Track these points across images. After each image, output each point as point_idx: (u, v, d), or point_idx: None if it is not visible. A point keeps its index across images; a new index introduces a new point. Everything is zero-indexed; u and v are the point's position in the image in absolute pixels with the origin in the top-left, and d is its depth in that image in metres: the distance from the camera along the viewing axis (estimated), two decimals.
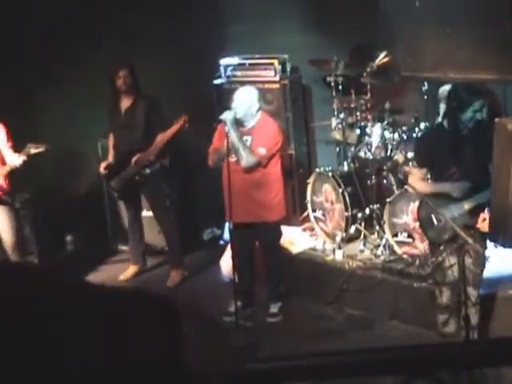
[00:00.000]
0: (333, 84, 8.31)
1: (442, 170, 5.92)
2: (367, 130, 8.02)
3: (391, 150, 7.84)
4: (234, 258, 7.18)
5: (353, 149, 8.28)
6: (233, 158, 7.04)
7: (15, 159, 7.72)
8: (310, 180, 8.29)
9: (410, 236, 7.44)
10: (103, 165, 8.46)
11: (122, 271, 8.71)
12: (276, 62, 8.79)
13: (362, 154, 8.08)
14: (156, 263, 8.95)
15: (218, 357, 1.18)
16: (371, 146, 7.94)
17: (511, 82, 6.70)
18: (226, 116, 6.98)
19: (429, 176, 6.11)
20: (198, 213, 9.50)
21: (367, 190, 8.06)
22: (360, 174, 8.14)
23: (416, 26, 6.87)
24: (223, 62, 9.03)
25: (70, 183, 9.53)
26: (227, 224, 7.62)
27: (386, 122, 7.92)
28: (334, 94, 8.36)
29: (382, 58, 7.95)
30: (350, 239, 8.04)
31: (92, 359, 1.05)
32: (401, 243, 7.51)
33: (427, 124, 7.70)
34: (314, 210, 8.32)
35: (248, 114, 7.14)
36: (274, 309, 7.53)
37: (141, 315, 1.11)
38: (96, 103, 8.81)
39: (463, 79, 6.94)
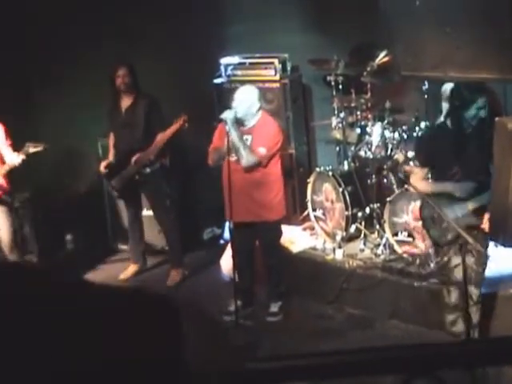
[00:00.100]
0: (333, 83, 8.31)
1: (445, 170, 5.89)
2: (367, 129, 8.02)
3: (391, 150, 7.84)
4: (234, 257, 7.17)
5: (353, 148, 8.28)
6: (233, 158, 7.04)
7: (14, 158, 7.73)
8: (311, 179, 8.28)
9: (410, 235, 7.44)
10: (103, 164, 8.47)
11: (121, 270, 8.72)
12: (276, 61, 8.79)
13: (362, 153, 8.08)
14: (156, 262, 8.95)
15: (218, 356, 1.18)
16: (371, 146, 7.94)
17: (511, 81, 6.69)
18: (227, 115, 6.98)
19: (430, 175, 6.09)
20: (198, 212, 9.51)
21: (367, 190, 8.06)
22: (360, 173, 8.14)
23: (416, 25, 6.85)
24: (223, 61, 9.03)
25: (69, 182, 9.53)
26: (227, 223, 7.62)
27: (386, 122, 7.92)
28: (334, 93, 8.36)
29: (382, 57, 7.95)
30: (350, 238, 8.04)
31: (92, 359, 1.05)
32: (401, 242, 7.50)
33: (428, 123, 7.70)
34: (314, 210, 8.31)
35: (248, 114, 7.14)
36: (274, 308, 7.53)
37: (141, 314, 1.11)
38: (96, 103, 8.81)
39: (463, 78, 6.93)
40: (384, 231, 7.63)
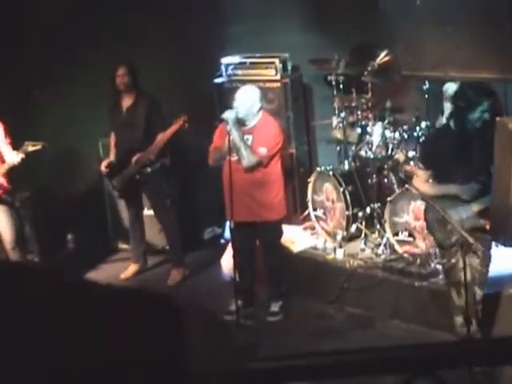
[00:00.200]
0: (334, 83, 8.31)
1: (449, 172, 5.84)
2: (368, 129, 8.02)
3: (392, 149, 7.84)
4: (234, 256, 7.17)
5: (354, 148, 8.27)
6: (234, 157, 7.03)
7: (13, 157, 7.75)
8: (311, 179, 8.28)
9: (410, 235, 7.44)
10: (104, 163, 8.48)
11: (122, 270, 8.72)
12: (277, 60, 8.79)
13: (362, 152, 8.08)
14: (157, 262, 8.95)
15: (221, 356, 1.18)
16: (372, 145, 7.94)
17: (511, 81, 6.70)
18: (228, 115, 6.98)
19: (433, 178, 6.03)
20: (199, 212, 9.51)
21: (368, 189, 8.06)
22: (361, 172, 8.14)
23: (416, 25, 6.85)
24: (224, 60, 9.03)
25: (70, 182, 9.53)
26: (228, 223, 7.61)
27: (386, 121, 7.92)
28: (334, 92, 8.36)
29: (382, 56, 7.95)
30: (350, 238, 8.04)
31: (92, 358, 1.05)
32: (401, 242, 7.50)
33: (429, 123, 7.69)
34: (314, 209, 8.31)
35: (250, 114, 7.14)
36: (274, 308, 7.53)
37: (142, 314, 1.11)
38: (96, 103, 8.82)
39: (464, 78, 6.93)
40: (384, 231, 7.63)
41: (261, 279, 7.62)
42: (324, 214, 8.24)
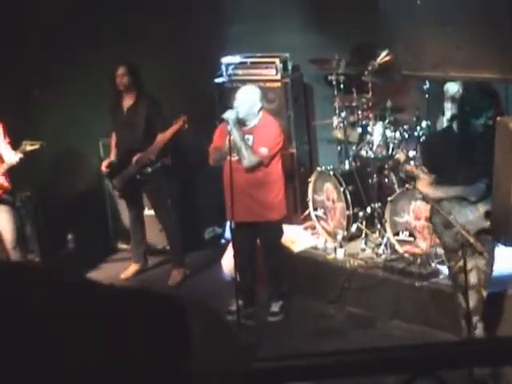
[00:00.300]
0: (334, 83, 8.31)
1: (454, 174, 5.81)
2: (369, 129, 8.02)
3: (392, 149, 7.84)
4: (235, 256, 7.17)
5: (354, 147, 8.28)
6: (234, 157, 7.03)
7: (12, 157, 7.76)
8: (312, 179, 8.29)
9: (411, 235, 7.44)
10: (105, 163, 8.49)
11: (123, 270, 8.73)
12: (277, 60, 8.79)
13: (363, 152, 8.08)
14: (157, 262, 8.96)
15: (223, 356, 1.18)
16: (372, 145, 7.94)
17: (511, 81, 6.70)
18: (229, 115, 6.97)
19: (436, 181, 5.99)
20: (199, 212, 9.51)
21: (368, 189, 8.06)
22: (361, 172, 8.14)
23: (416, 25, 6.86)
24: (224, 60, 9.04)
25: (70, 182, 9.53)
26: (228, 223, 7.61)
27: (387, 121, 7.92)
28: (335, 92, 8.37)
29: (383, 56, 7.95)
30: (351, 238, 8.04)
31: (93, 359, 1.04)
32: (402, 242, 7.50)
33: (430, 123, 7.69)
34: (315, 209, 8.32)
35: (250, 114, 7.13)
36: (275, 308, 7.53)
37: (144, 314, 1.11)
38: (96, 103, 8.83)
39: (464, 78, 6.94)
40: (385, 231, 7.63)
41: (261, 279, 7.63)
42: (324, 213, 8.24)
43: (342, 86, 8.26)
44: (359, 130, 8.19)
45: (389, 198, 7.55)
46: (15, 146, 7.85)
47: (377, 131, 7.92)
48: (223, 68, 9.04)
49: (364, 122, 8.15)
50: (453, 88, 7.31)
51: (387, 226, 7.55)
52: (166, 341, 1.09)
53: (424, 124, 7.72)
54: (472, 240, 5.51)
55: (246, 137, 7.10)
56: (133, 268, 8.71)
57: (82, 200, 9.46)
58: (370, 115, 8.11)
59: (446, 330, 6.56)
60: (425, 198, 6.26)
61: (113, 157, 8.50)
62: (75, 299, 1.08)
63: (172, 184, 8.83)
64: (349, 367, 1.35)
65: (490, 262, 5.89)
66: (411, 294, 7.16)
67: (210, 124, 7.95)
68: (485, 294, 5.93)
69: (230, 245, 7.57)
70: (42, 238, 8.98)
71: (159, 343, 1.08)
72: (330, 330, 7.21)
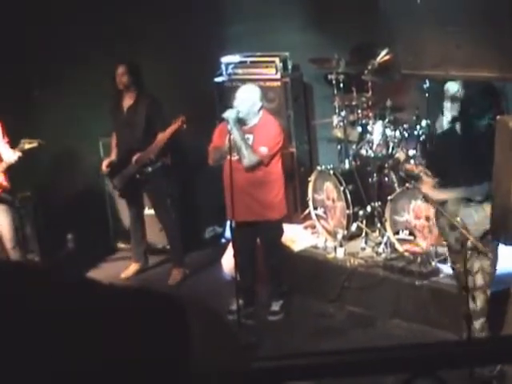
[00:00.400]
0: (334, 82, 8.31)
1: (458, 175, 5.76)
2: (368, 128, 8.01)
3: (392, 148, 7.84)
4: (235, 256, 7.16)
5: (354, 146, 8.27)
6: (234, 157, 7.02)
7: (11, 155, 7.77)
8: (312, 178, 8.28)
9: (411, 234, 7.44)
10: (105, 163, 8.50)
11: (123, 269, 8.73)
12: (277, 59, 8.79)
13: (363, 151, 8.08)
14: (157, 261, 8.96)
15: (224, 356, 1.18)
16: (372, 144, 7.94)
17: (511, 80, 6.69)
18: (229, 114, 6.96)
19: (440, 183, 5.94)
20: (199, 211, 9.51)
21: (368, 188, 8.06)
22: (361, 171, 8.14)
23: (416, 25, 6.86)
24: (224, 59, 9.03)
25: (70, 182, 9.53)
26: (228, 222, 7.61)
27: (387, 120, 7.91)
28: (335, 91, 8.36)
29: (383, 55, 7.94)
30: (351, 237, 8.04)
31: (93, 359, 1.04)
32: (402, 241, 7.50)
33: (430, 122, 7.68)
34: (315, 208, 8.32)
35: (250, 113, 7.13)
36: (275, 307, 7.53)
37: (144, 314, 1.11)
38: (96, 103, 8.83)
39: (464, 77, 6.93)
40: (385, 230, 7.63)
41: (261, 278, 7.62)
42: (324, 212, 8.24)
43: (341, 85, 8.26)
44: (359, 129, 8.18)
45: (389, 197, 7.55)
46: (14, 145, 7.86)
47: (377, 130, 7.92)
48: (223, 67, 9.04)
49: (364, 121, 8.14)
50: (453, 87, 7.30)
51: (387, 224, 7.55)
52: (166, 341, 1.09)
53: (424, 123, 7.72)
54: (473, 240, 5.50)
55: (246, 136, 7.09)
56: (133, 267, 8.71)
57: (82, 200, 9.47)
58: (370, 114, 8.11)
59: (447, 329, 6.57)
60: (429, 201, 6.24)
61: (113, 156, 8.50)
62: (75, 299, 1.08)
63: (172, 184, 8.84)
64: (349, 367, 1.35)
65: (494, 262, 5.88)
66: (411, 293, 7.16)
67: (210, 124, 7.95)
68: (489, 293, 5.93)
69: (230, 244, 7.57)
70: (41, 237, 8.98)
71: (159, 343, 1.08)
72: (330, 329, 7.21)
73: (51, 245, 9.13)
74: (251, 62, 8.96)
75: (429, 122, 7.71)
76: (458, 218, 5.65)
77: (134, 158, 8.15)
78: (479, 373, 5.67)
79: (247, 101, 7.11)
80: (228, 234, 8.22)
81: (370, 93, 8.19)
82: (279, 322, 7.45)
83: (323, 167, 8.25)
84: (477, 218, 5.67)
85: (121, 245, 9.41)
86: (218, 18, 9.25)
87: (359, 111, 8.24)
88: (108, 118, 8.57)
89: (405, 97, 8.40)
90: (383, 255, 7.65)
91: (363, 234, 7.96)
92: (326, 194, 8.17)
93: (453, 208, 5.74)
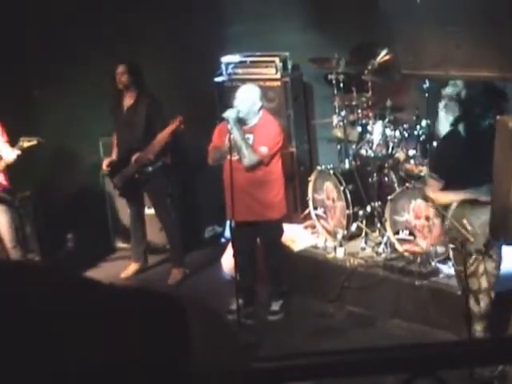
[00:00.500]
0: (334, 82, 8.31)
1: (464, 177, 5.73)
2: (368, 128, 8.02)
3: (392, 148, 7.84)
4: (235, 256, 7.16)
5: (354, 146, 8.27)
6: (235, 157, 7.02)
7: (9, 154, 7.77)
8: (312, 178, 8.29)
9: (411, 234, 7.44)
10: (105, 162, 8.52)
11: (122, 269, 8.73)
12: (277, 59, 8.79)
13: (363, 151, 8.08)
14: (157, 261, 8.96)
15: (224, 356, 1.18)
16: (372, 144, 7.94)
17: (511, 80, 6.69)
18: (229, 114, 6.96)
19: (447, 185, 5.91)
20: (199, 211, 9.52)
21: (368, 188, 8.06)
22: (361, 171, 8.14)
23: (416, 25, 6.85)
24: (224, 59, 9.03)
25: (70, 182, 9.54)
26: (228, 222, 7.61)
27: (387, 120, 7.92)
28: (335, 91, 8.36)
29: (383, 55, 7.94)
30: (351, 237, 8.04)
31: (93, 359, 1.04)
32: (402, 241, 7.50)
33: (429, 122, 7.68)
34: (315, 208, 8.32)
35: (251, 112, 7.13)
36: (275, 307, 7.54)
37: (144, 314, 1.11)
38: (96, 103, 8.83)
39: (464, 77, 6.93)
40: (385, 230, 7.63)
41: (261, 278, 7.62)
42: (324, 212, 8.24)
43: (341, 85, 8.26)
44: (359, 128, 8.18)
45: (389, 197, 7.55)
46: (13, 144, 7.86)
47: (377, 130, 7.92)
48: (223, 67, 9.04)
49: (364, 121, 8.14)
50: (449, 89, 7.31)
51: (387, 224, 7.55)
52: (166, 341, 1.09)
53: (424, 123, 7.72)
54: (466, 234, 5.50)
55: (246, 136, 7.09)
56: (133, 267, 8.71)
57: (82, 199, 9.48)
58: (370, 114, 8.11)
59: (446, 330, 6.57)
60: (434, 206, 6.21)
61: (114, 156, 8.51)
62: (75, 299, 1.08)
63: (172, 183, 8.84)
64: (349, 366, 1.35)
65: (498, 263, 5.87)
66: (411, 293, 7.16)
67: (210, 123, 7.95)
68: (493, 295, 5.92)
69: (230, 244, 7.58)
70: (41, 237, 8.99)
71: (159, 343, 1.08)
72: (330, 329, 7.21)
73: (51, 244, 9.14)
74: (251, 61, 8.96)
75: (429, 121, 7.71)
76: (465, 220, 5.64)
77: (133, 157, 8.16)
78: (479, 373, 5.67)
79: (247, 100, 7.11)
80: (227, 233, 8.21)
81: (370, 93, 8.19)
82: (279, 322, 7.45)
83: (323, 167, 8.25)
84: (484, 219, 5.64)
85: (120, 244, 9.41)
86: (218, 18, 9.25)
87: (359, 111, 8.24)
88: (108, 117, 8.58)
89: (405, 97, 8.39)
90: (383, 255, 7.65)
91: (363, 233, 7.97)
92: (326, 193, 8.17)
93: (459, 209, 5.73)
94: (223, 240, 9.00)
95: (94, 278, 1.13)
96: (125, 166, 8.27)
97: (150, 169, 8.22)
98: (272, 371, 1.30)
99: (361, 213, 7.98)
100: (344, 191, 7.91)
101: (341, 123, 8.28)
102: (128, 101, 8.30)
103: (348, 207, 7.90)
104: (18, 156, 7.80)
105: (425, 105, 7.90)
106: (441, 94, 7.43)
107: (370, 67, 7.95)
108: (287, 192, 7.83)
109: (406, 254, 7.45)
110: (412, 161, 7.67)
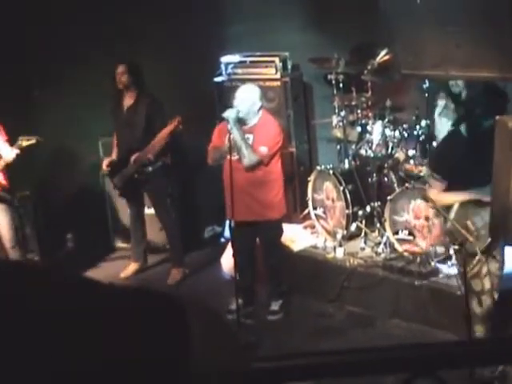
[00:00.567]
0: (334, 82, 8.31)
1: (467, 177, 5.71)
2: (368, 128, 8.01)
3: (392, 148, 7.84)
4: (235, 256, 7.15)
5: (354, 146, 8.27)
6: (234, 157, 7.02)
7: (9, 153, 7.78)
8: (311, 178, 8.28)
9: (410, 234, 7.44)
10: (105, 162, 8.52)
11: (122, 269, 8.73)
12: (277, 59, 8.78)
13: (362, 151, 8.08)
14: (157, 261, 8.96)
15: (224, 356, 1.18)
16: (372, 144, 7.94)
17: (511, 80, 6.69)
18: (229, 114, 6.96)
19: (449, 186, 5.90)
20: (199, 211, 9.52)
21: (368, 188, 8.06)
22: (361, 171, 8.13)
23: (416, 25, 6.86)
24: (224, 59, 9.03)
25: (70, 181, 9.54)
26: (228, 222, 7.61)
27: (386, 120, 7.92)
28: (334, 91, 8.36)
29: (382, 55, 7.94)
30: (350, 237, 8.04)
31: (93, 359, 1.04)
32: (401, 241, 7.50)
33: (429, 122, 7.68)
34: (314, 208, 8.31)
35: (250, 112, 7.13)
36: (274, 306, 7.53)
37: (144, 314, 1.11)
38: (96, 103, 8.83)
39: (463, 77, 6.93)
40: (385, 230, 7.63)
41: (261, 278, 7.62)
42: (324, 212, 8.24)
43: (341, 85, 8.26)
44: (359, 129, 8.18)
45: (388, 197, 7.55)
46: (13, 144, 7.86)
47: (376, 130, 7.92)
48: (223, 67, 9.03)
49: (363, 121, 8.14)
50: (448, 88, 7.32)
51: (387, 224, 7.55)
52: (166, 341, 1.09)
53: (423, 123, 7.72)
54: (465, 234, 5.50)
55: (246, 136, 7.09)
56: (132, 267, 8.71)
57: (82, 199, 9.48)
58: (370, 114, 8.11)
59: (446, 330, 6.57)
60: (433, 205, 6.19)
61: (114, 156, 8.51)
62: (75, 299, 1.08)
63: (172, 183, 8.84)
64: (349, 366, 1.35)
65: (501, 264, 5.87)
66: (411, 293, 7.16)
67: (210, 123, 7.95)
68: (496, 296, 5.91)
69: (230, 244, 7.58)
70: (41, 237, 8.99)
71: (159, 343, 1.08)
72: (330, 328, 7.21)
73: (51, 244, 9.14)
74: (251, 61, 8.95)
75: (428, 122, 7.72)
76: (469, 221, 5.64)
77: (133, 157, 8.16)
78: (479, 373, 5.67)
79: (247, 100, 7.11)
80: (227, 233, 8.21)
81: (370, 93, 8.19)
82: (279, 322, 7.45)
83: (323, 167, 8.25)
84: (487, 218, 5.63)
85: (120, 244, 9.41)
86: (218, 18, 9.25)
87: (359, 111, 8.24)
88: (108, 117, 8.58)
89: (405, 97, 8.40)
90: (383, 255, 7.65)
91: (363, 233, 7.97)
92: (326, 193, 8.17)
93: (462, 210, 5.72)
94: (223, 240, 9.00)
95: (94, 278, 1.13)
96: (125, 166, 8.27)
97: (150, 169, 8.22)
98: (272, 371, 1.30)
99: (360, 213, 7.97)
100: (344, 191, 7.91)
101: (340, 123, 8.28)
102: (128, 101, 8.30)
103: (347, 207, 7.90)
104: (18, 155, 7.81)
105: (424, 105, 7.90)
106: (440, 94, 7.43)
107: (369, 67, 7.95)
108: (287, 192, 7.83)
109: (405, 254, 7.45)
110: (412, 161, 7.67)
